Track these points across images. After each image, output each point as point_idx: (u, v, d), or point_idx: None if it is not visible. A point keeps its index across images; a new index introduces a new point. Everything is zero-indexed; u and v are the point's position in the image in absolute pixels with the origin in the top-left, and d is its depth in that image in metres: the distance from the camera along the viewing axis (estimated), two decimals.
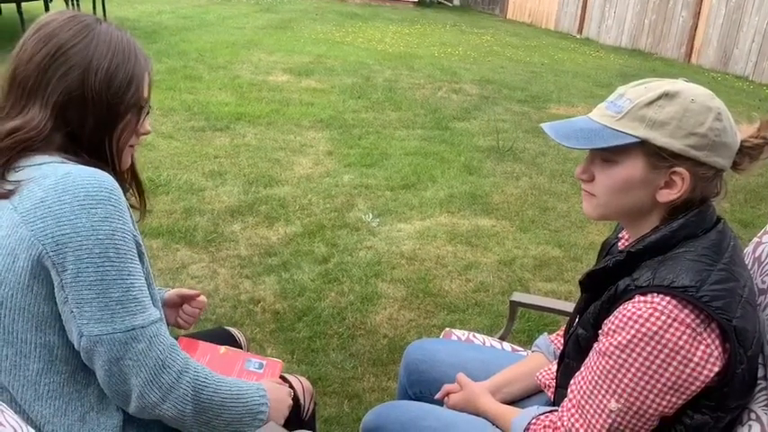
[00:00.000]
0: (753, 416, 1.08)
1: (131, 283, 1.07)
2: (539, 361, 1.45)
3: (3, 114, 1.11)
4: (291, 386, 1.40)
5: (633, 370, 1.03)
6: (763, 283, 1.20)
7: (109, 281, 1.04)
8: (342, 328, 2.71)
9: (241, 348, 1.55)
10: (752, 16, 8.81)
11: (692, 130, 1.06)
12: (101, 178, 1.07)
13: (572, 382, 1.16)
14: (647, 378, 1.03)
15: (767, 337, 1.12)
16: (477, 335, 1.75)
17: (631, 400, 1.05)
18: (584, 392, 1.11)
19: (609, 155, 1.12)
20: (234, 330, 1.59)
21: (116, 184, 1.09)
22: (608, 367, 1.06)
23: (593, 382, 1.09)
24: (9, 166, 1.09)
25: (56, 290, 1.05)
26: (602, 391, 1.07)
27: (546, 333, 1.53)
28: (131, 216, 1.13)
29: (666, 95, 1.07)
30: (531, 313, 2.82)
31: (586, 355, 1.15)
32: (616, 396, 1.06)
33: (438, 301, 2.95)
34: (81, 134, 1.13)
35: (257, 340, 2.57)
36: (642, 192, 1.11)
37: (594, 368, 1.09)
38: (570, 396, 1.15)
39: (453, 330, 1.78)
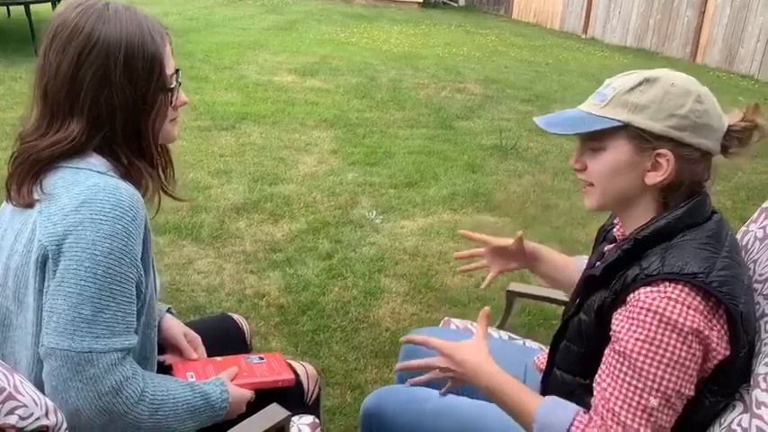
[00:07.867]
0: (737, 396, 1.11)
1: (107, 305, 1.03)
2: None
3: (41, 132, 1.11)
4: (296, 372, 1.44)
5: (666, 361, 1.03)
6: (749, 269, 1.24)
7: (85, 297, 1.01)
8: (345, 321, 2.75)
9: (244, 334, 1.59)
10: (757, 15, 8.80)
11: (673, 112, 1.11)
12: (121, 195, 1.06)
13: (597, 393, 1.10)
14: (678, 366, 1.03)
15: (758, 322, 1.15)
16: (474, 324, 1.78)
17: (668, 393, 1.04)
18: (618, 400, 1.06)
19: (596, 143, 1.17)
20: (236, 316, 1.62)
21: (136, 203, 1.08)
22: (638, 366, 1.04)
23: (627, 387, 1.06)
24: (43, 173, 1.10)
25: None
26: (639, 392, 1.05)
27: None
28: (149, 238, 1.12)
29: (647, 81, 1.13)
30: (531, 307, 2.86)
31: (588, 341, 1.16)
32: (653, 392, 1.04)
33: (440, 296, 2.99)
34: (114, 132, 1.12)
35: (262, 333, 2.62)
36: (631, 175, 1.15)
37: (624, 372, 1.06)
38: (603, 412, 1.08)
39: (452, 320, 1.82)
